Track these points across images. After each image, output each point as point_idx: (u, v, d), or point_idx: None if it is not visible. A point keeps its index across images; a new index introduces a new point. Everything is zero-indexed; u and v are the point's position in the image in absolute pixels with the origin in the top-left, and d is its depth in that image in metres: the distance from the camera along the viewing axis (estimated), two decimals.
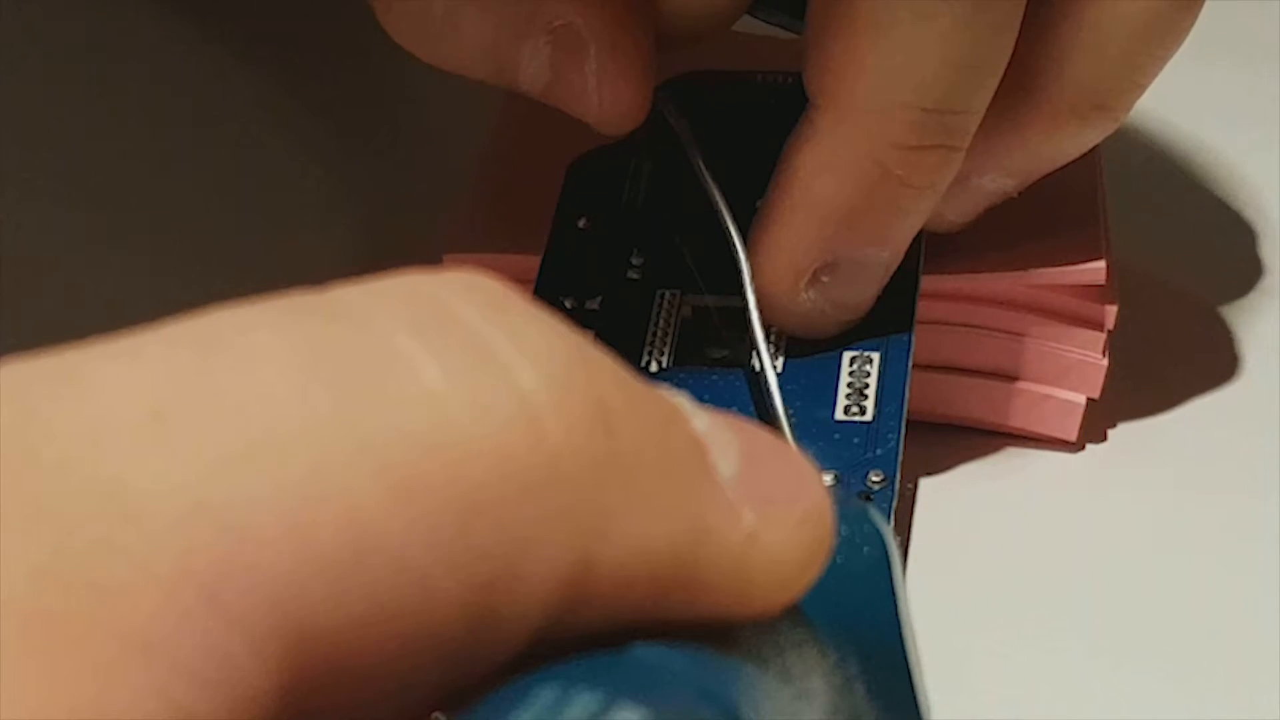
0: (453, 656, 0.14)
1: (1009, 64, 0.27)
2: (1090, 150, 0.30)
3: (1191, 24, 0.28)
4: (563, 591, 0.14)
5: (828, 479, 0.28)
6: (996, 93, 0.28)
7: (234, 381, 0.13)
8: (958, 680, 0.27)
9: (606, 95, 0.28)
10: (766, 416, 0.28)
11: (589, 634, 0.14)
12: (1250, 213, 0.36)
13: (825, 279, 0.29)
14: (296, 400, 0.13)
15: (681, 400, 0.15)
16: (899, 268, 0.29)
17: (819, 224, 0.28)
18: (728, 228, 0.29)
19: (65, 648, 0.12)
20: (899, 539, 0.29)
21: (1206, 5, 0.28)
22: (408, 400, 0.14)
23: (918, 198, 0.28)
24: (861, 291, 0.29)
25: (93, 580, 0.12)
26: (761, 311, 0.29)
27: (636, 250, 0.31)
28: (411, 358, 0.14)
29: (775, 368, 0.29)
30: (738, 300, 0.29)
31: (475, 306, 0.14)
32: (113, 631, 0.12)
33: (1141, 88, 0.29)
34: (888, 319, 0.29)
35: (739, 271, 0.29)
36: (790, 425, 0.28)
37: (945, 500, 0.30)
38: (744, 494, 0.15)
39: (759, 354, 0.29)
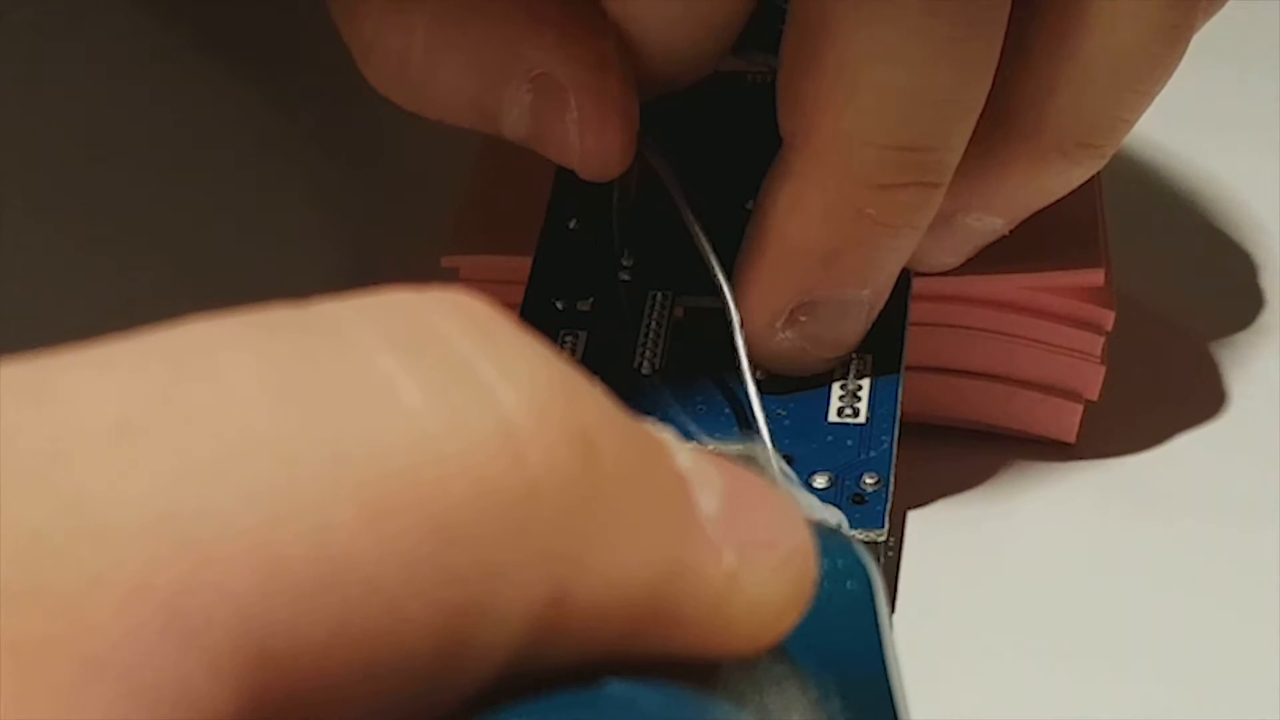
0: (420, 685, 0.13)
1: (994, 101, 0.27)
2: None
3: (1178, 60, 0.28)
4: (535, 621, 0.14)
5: (824, 509, 0.28)
6: (981, 130, 0.27)
7: (206, 394, 0.13)
8: (944, 701, 0.27)
9: (589, 143, 0.28)
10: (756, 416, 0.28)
11: (561, 669, 0.14)
12: (1248, 220, 0.36)
13: (803, 319, 0.29)
14: (269, 414, 0.13)
15: (666, 436, 0.15)
16: None
17: (792, 265, 0.28)
18: (711, 265, 0.29)
19: (23, 666, 0.12)
20: (892, 544, 0.29)
21: None
22: (385, 418, 0.13)
23: (895, 236, 0.28)
24: (843, 331, 0.29)
25: (49, 594, 0.12)
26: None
27: (628, 251, 0.31)
28: (391, 375, 0.14)
29: (758, 375, 0.29)
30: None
31: (460, 327, 0.14)
32: (68, 649, 0.12)
33: (1128, 124, 0.28)
34: (881, 321, 0.29)
35: (724, 304, 0.29)
36: (772, 437, 0.28)
37: (939, 507, 0.30)
38: (726, 533, 0.15)
39: (743, 379, 0.28)
